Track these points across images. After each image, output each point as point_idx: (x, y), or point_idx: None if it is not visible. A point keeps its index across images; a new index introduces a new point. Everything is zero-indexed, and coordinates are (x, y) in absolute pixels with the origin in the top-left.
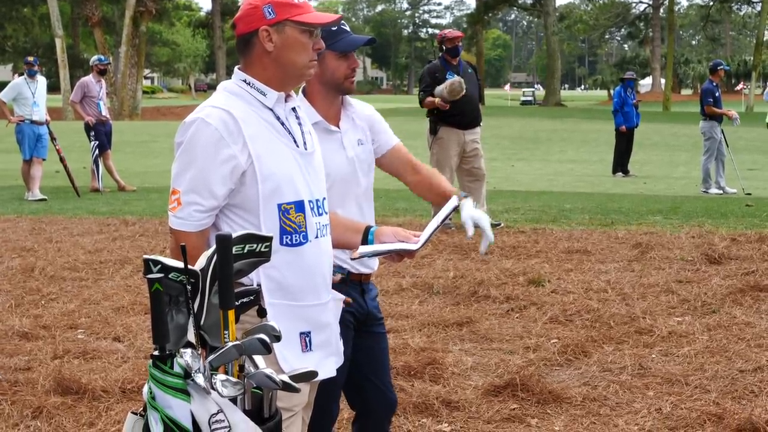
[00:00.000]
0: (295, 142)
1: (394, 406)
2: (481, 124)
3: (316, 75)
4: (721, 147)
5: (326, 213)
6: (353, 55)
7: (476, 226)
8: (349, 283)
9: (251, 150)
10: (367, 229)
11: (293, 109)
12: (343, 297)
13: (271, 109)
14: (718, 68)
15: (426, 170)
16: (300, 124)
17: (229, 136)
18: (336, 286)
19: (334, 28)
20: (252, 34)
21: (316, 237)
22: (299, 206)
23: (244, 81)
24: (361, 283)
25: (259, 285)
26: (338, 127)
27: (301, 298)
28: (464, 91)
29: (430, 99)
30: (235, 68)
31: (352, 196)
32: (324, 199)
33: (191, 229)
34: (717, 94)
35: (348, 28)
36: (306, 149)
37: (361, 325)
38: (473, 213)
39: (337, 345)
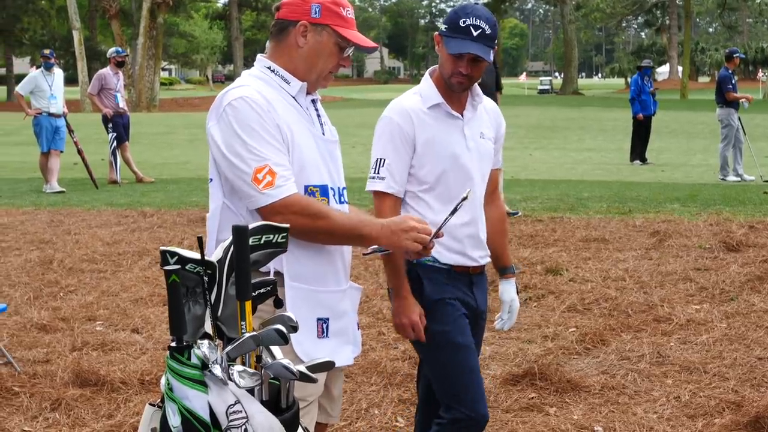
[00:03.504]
0: (316, 128)
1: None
2: None
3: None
4: (739, 134)
5: (347, 203)
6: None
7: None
8: (453, 275)
9: (283, 128)
10: None
11: (313, 101)
12: (361, 288)
13: (293, 97)
14: (734, 56)
15: (498, 212)
16: (319, 115)
17: (272, 110)
18: (443, 278)
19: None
20: (291, 23)
21: None
22: (324, 190)
23: (269, 68)
24: (470, 274)
25: (276, 273)
26: (461, 114)
27: (322, 284)
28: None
29: None
30: (258, 56)
31: (476, 187)
32: (344, 188)
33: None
34: (734, 81)
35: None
36: (325, 136)
37: (469, 322)
38: (514, 297)
39: (354, 334)
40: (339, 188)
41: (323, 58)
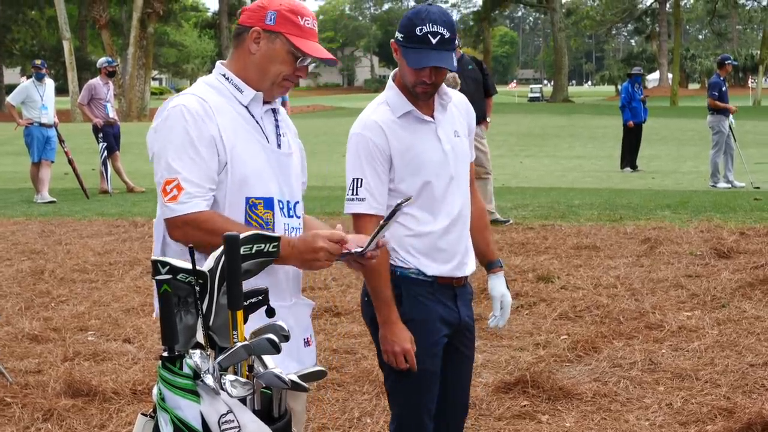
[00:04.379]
0: (267, 140)
1: (464, 412)
2: (488, 120)
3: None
4: (729, 141)
5: (298, 217)
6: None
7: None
8: (437, 288)
9: (224, 138)
10: None
11: (273, 110)
12: (312, 303)
13: (246, 107)
14: (726, 62)
15: (477, 206)
16: (277, 126)
17: (209, 119)
18: (425, 293)
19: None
20: (246, 29)
21: None
22: (268, 203)
23: (223, 75)
24: (454, 287)
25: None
26: (432, 117)
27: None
28: (459, 85)
29: None
30: (218, 62)
31: (457, 196)
32: (297, 203)
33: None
34: (723, 89)
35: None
36: (280, 149)
37: (453, 337)
38: (504, 291)
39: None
40: (289, 202)
41: (275, 65)
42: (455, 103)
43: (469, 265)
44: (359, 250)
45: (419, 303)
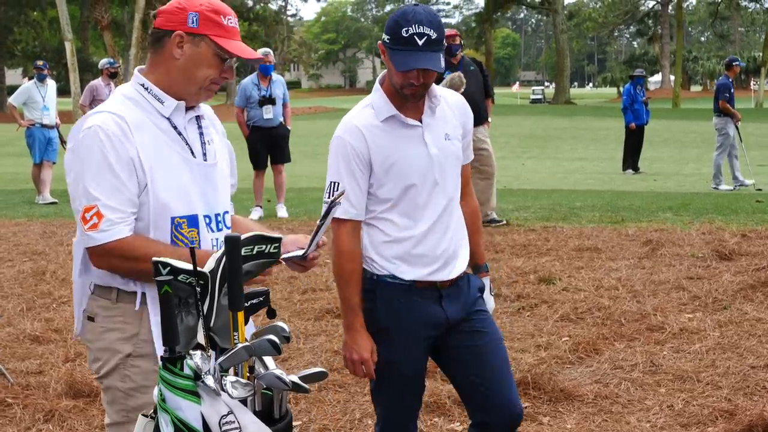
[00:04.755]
0: (192, 153)
1: (515, 417)
2: (489, 120)
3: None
4: (734, 143)
5: (228, 227)
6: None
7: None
8: (417, 292)
9: (143, 158)
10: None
11: (197, 118)
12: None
13: (167, 118)
14: (734, 64)
15: (470, 209)
16: (202, 134)
17: (126, 140)
18: (401, 297)
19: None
20: (167, 33)
21: None
22: (192, 221)
23: (142, 86)
24: (439, 289)
25: (144, 294)
26: (419, 120)
27: None
28: (464, 85)
29: None
30: (136, 69)
31: (440, 200)
32: (226, 213)
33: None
34: (732, 91)
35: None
36: (205, 160)
37: (446, 337)
38: (487, 297)
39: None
40: (218, 215)
41: (202, 69)
42: (450, 104)
43: (457, 267)
44: (300, 253)
45: (393, 309)
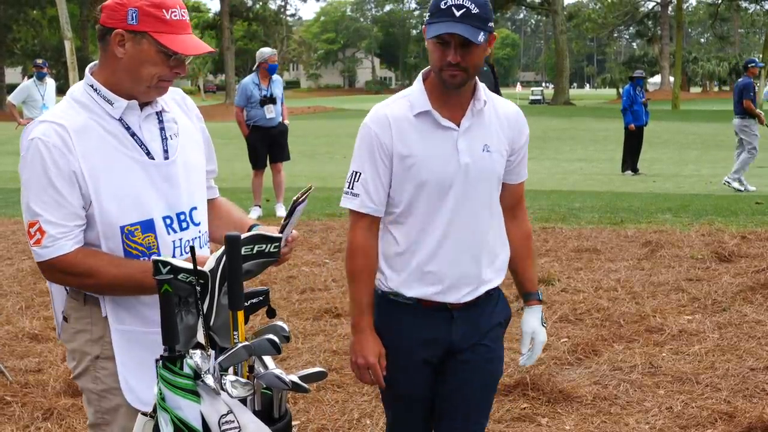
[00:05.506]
0: (148, 153)
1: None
2: None
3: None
4: (756, 142)
5: (197, 224)
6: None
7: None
8: (422, 312)
9: (85, 169)
10: (250, 228)
11: (158, 113)
12: None
13: (119, 119)
14: (749, 65)
15: (521, 232)
16: (163, 129)
17: (68, 152)
18: (401, 315)
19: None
20: (109, 31)
21: (173, 257)
22: (147, 226)
23: (91, 86)
24: (449, 310)
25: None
26: (457, 124)
27: (154, 324)
28: None
29: None
30: (87, 69)
31: (464, 215)
32: (193, 209)
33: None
34: (756, 90)
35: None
36: (166, 158)
37: (446, 361)
38: (537, 328)
39: None
40: (181, 214)
41: (146, 67)
42: (500, 114)
43: (478, 290)
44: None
45: (392, 328)
